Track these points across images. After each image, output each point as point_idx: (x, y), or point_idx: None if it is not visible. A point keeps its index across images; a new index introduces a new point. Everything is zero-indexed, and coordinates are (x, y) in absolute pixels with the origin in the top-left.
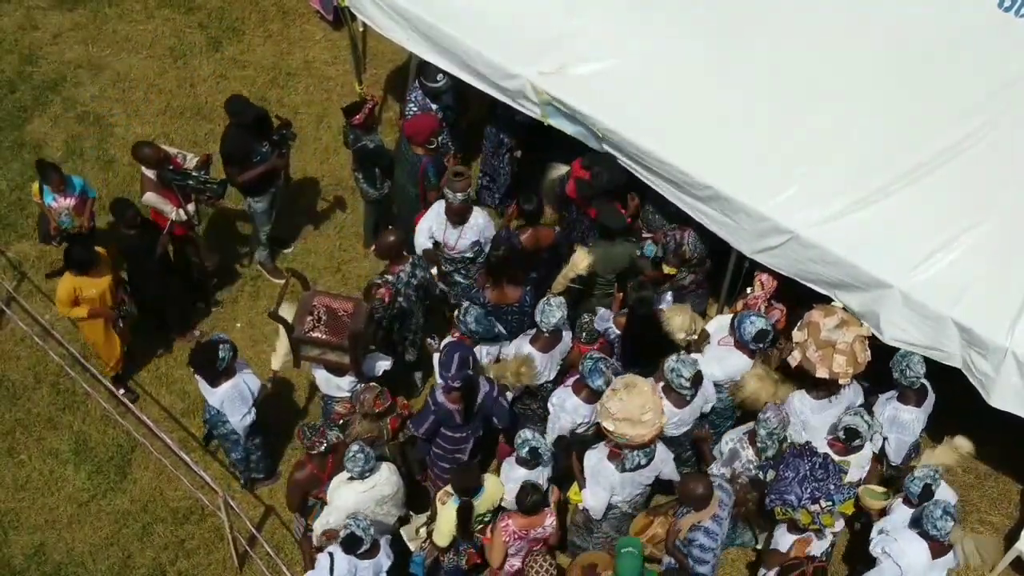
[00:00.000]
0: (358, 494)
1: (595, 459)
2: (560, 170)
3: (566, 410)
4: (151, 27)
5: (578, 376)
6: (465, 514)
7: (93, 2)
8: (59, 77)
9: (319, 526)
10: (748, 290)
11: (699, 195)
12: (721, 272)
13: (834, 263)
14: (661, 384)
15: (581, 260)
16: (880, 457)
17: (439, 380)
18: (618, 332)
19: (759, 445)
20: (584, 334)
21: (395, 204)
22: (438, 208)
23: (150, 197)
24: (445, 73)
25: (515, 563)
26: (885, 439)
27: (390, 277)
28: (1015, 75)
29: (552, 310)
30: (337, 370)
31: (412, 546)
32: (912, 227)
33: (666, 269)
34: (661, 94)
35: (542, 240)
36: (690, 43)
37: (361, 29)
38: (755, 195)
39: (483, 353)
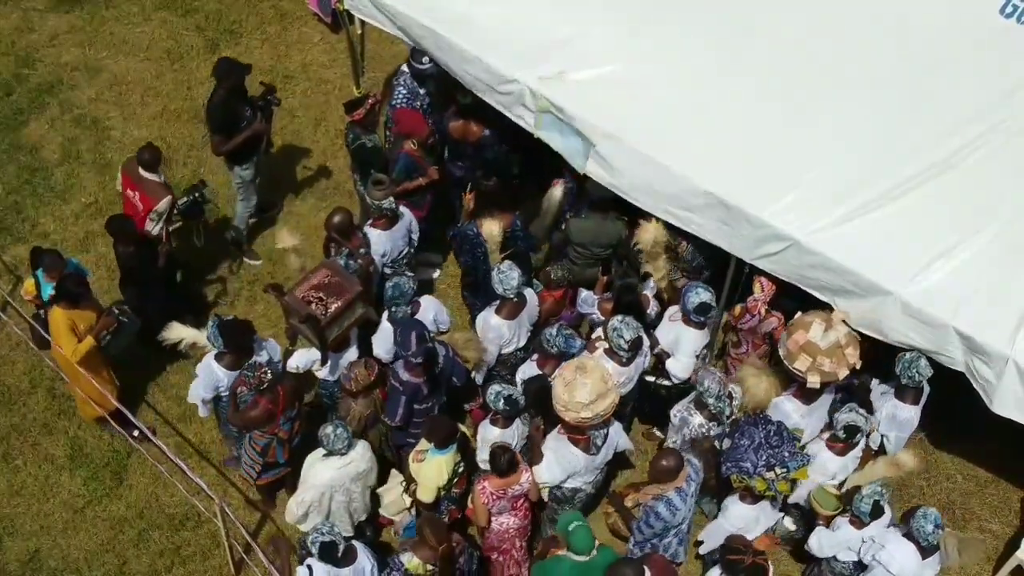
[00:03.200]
0: (335, 470)
1: (556, 443)
2: (558, 189)
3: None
4: (148, 29)
5: (543, 352)
6: (463, 449)
7: (90, 4)
8: (56, 80)
9: (295, 504)
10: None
11: (696, 202)
12: (721, 278)
13: (834, 270)
14: (604, 347)
15: (491, 227)
16: (873, 452)
17: (400, 359)
18: (603, 318)
19: (714, 411)
20: (551, 281)
21: None
22: None
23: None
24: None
25: (504, 521)
26: (884, 436)
27: (363, 250)
28: (1017, 82)
29: (507, 274)
30: (344, 343)
31: (398, 519)
32: (913, 234)
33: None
34: (661, 100)
35: (470, 134)
36: (690, 49)
37: (359, 32)
38: (755, 201)
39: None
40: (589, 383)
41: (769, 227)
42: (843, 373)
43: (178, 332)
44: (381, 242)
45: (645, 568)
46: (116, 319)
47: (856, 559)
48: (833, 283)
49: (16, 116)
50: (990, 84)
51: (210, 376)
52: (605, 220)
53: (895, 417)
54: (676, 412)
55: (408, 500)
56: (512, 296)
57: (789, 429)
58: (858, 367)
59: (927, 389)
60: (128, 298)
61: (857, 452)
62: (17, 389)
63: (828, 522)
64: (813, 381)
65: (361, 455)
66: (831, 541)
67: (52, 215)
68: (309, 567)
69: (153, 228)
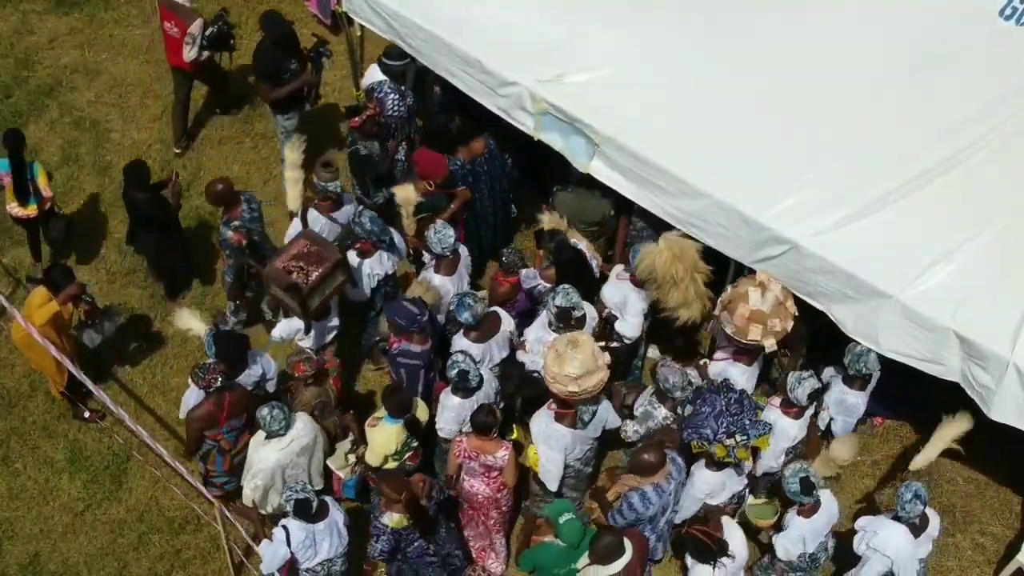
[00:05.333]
0: (278, 452)
1: (543, 424)
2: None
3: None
4: (147, 32)
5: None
6: (412, 428)
7: (89, 6)
8: (55, 82)
9: (248, 489)
10: None
11: (695, 205)
12: (720, 282)
13: (833, 273)
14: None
15: (402, 193)
16: (825, 435)
17: (402, 337)
18: (548, 285)
19: (680, 400)
20: (505, 264)
21: None
22: None
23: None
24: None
25: (475, 484)
26: (832, 419)
27: (236, 223)
28: (1016, 84)
29: (444, 233)
30: (326, 311)
31: (341, 473)
32: (912, 237)
33: None
34: (660, 102)
35: None
36: (689, 51)
37: (359, 34)
38: (754, 205)
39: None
40: (579, 358)
41: (768, 230)
42: (790, 325)
43: (186, 321)
44: (319, 223)
45: (625, 539)
46: (87, 303)
47: (811, 552)
48: (831, 288)
49: (15, 118)
50: (990, 86)
51: None
52: (590, 196)
53: (843, 402)
54: (639, 406)
55: (352, 459)
56: (449, 253)
57: (751, 397)
58: (797, 314)
59: (876, 375)
60: (145, 248)
61: (810, 410)
62: (17, 392)
63: (775, 528)
64: (771, 345)
65: (302, 430)
66: (791, 539)
67: None
68: (284, 527)
69: (189, 52)
